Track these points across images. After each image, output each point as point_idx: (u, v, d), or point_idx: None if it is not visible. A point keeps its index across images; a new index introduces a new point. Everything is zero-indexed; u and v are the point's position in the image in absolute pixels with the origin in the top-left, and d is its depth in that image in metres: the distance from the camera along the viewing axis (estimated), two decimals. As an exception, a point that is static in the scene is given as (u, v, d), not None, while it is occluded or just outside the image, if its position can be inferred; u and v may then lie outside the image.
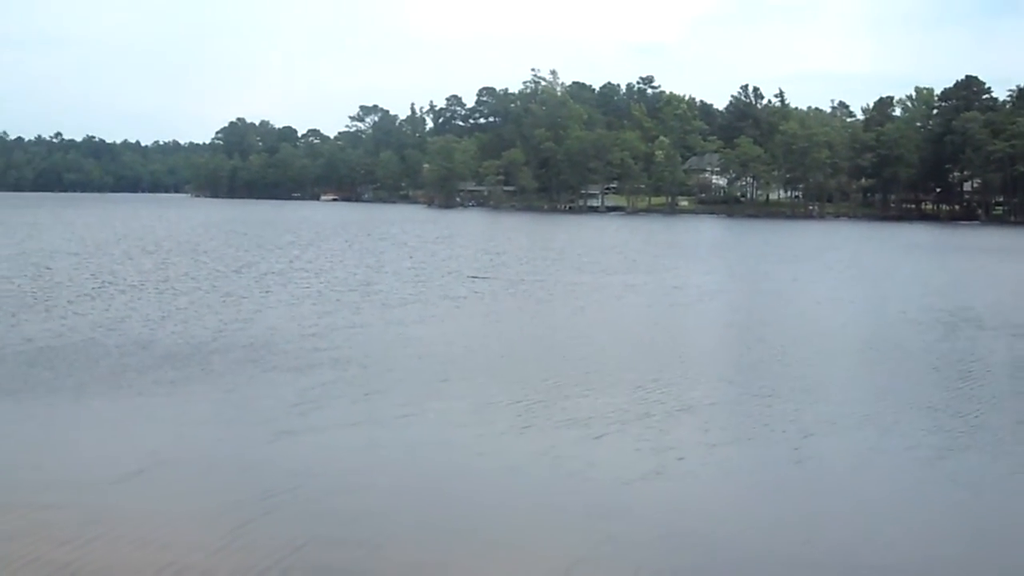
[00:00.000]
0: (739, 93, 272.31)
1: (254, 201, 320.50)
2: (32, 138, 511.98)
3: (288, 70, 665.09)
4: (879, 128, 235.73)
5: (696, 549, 16.74)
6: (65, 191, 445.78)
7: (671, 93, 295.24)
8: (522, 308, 49.33)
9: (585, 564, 15.93)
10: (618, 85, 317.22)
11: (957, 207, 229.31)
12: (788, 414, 25.76)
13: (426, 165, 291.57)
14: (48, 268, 62.95)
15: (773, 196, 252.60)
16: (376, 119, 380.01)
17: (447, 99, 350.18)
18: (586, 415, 25.15)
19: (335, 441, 22.70)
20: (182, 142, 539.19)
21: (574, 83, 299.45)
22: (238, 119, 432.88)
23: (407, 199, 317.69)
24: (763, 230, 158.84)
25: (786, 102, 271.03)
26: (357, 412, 25.46)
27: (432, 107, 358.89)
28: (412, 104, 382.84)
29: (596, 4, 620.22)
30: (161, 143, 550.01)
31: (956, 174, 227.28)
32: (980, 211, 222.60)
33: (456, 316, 45.41)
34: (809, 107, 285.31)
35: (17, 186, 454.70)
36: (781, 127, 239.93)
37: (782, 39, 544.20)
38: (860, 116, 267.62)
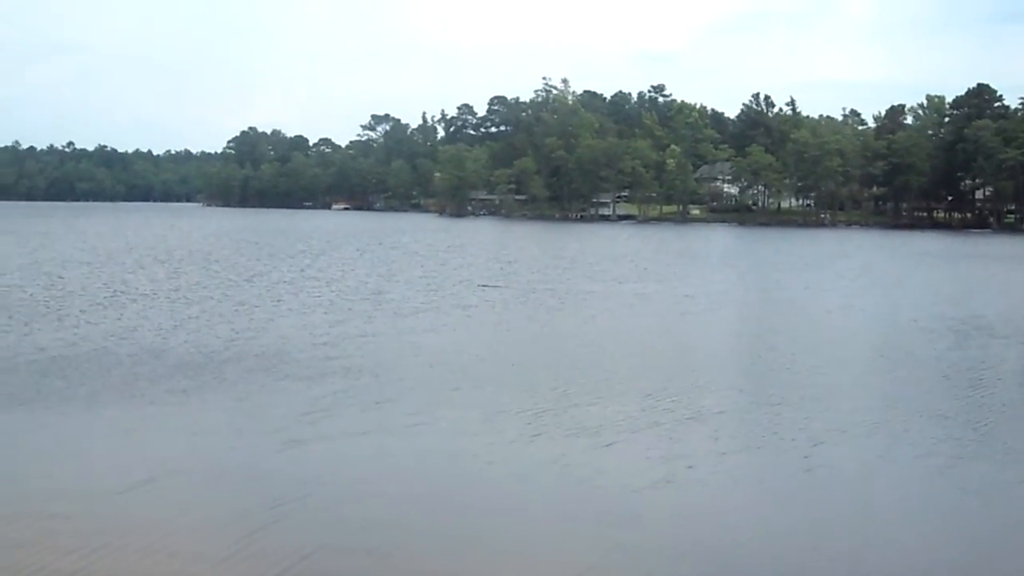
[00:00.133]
0: (750, 101, 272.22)
1: (266, 210, 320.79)
2: (44, 147, 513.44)
3: (300, 79, 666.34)
4: (891, 136, 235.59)
5: (706, 557, 16.75)
6: (77, 200, 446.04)
7: (682, 101, 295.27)
8: (533, 317, 49.35)
9: (595, 572, 15.96)
10: (629, 94, 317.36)
11: (969, 215, 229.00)
12: (798, 422, 25.77)
13: (437, 174, 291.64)
14: (60, 277, 63.10)
15: (785, 204, 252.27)
16: (388, 128, 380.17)
17: (458, 108, 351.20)
18: (596, 423, 25.18)
19: (345, 450, 22.75)
20: (194, 151, 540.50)
21: (585, 92, 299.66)
22: (250, 128, 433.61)
23: (419, 208, 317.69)
24: (774, 238, 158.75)
25: (797, 110, 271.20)
26: (368, 421, 25.51)
27: (443, 116, 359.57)
28: (424, 113, 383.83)
29: (607, 13, 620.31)
30: (173, 152, 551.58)
31: (968, 182, 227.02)
32: (992, 219, 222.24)
33: (467, 325, 45.43)
34: (820, 115, 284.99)
35: (30, 195, 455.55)
36: (793, 135, 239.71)
37: (793, 47, 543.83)
38: (872, 124, 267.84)
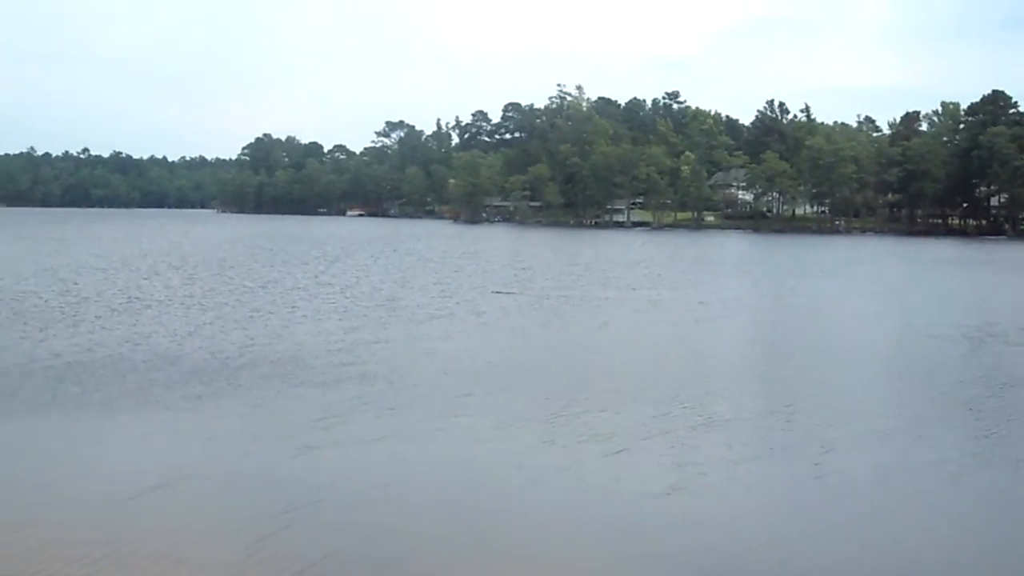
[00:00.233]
0: (765, 108, 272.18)
1: (280, 217, 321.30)
2: (60, 154, 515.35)
3: (314, 86, 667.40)
4: (905, 143, 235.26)
5: (717, 564, 16.77)
6: (92, 207, 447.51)
7: (697, 108, 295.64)
8: (547, 323, 49.36)
9: (607, 579, 16.02)
10: (644, 100, 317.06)
11: (984, 222, 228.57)
12: (811, 429, 25.79)
13: (452, 180, 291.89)
14: (76, 283, 63.23)
15: (799, 211, 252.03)
16: (402, 134, 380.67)
17: (473, 114, 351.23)
18: (609, 430, 25.21)
19: (358, 456, 22.78)
20: (208, 158, 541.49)
21: (600, 98, 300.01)
22: (264, 135, 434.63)
23: (433, 214, 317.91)
24: (789, 245, 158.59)
25: (812, 117, 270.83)
26: (381, 427, 25.55)
27: (458, 122, 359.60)
28: (438, 119, 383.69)
29: (622, 19, 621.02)
30: (188, 159, 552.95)
31: (983, 189, 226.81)
32: (1007, 226, 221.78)
33: (481, 331, 45.49)
34: (835, 122, 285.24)
35: (45, 202, 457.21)
36: (807, 142, 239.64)
37: (807, 53, 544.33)
38: (886, 131, 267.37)
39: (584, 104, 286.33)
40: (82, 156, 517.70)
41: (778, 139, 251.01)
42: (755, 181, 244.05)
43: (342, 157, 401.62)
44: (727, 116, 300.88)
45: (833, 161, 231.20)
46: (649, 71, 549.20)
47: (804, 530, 18.66)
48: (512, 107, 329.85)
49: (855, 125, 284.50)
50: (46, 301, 52.18)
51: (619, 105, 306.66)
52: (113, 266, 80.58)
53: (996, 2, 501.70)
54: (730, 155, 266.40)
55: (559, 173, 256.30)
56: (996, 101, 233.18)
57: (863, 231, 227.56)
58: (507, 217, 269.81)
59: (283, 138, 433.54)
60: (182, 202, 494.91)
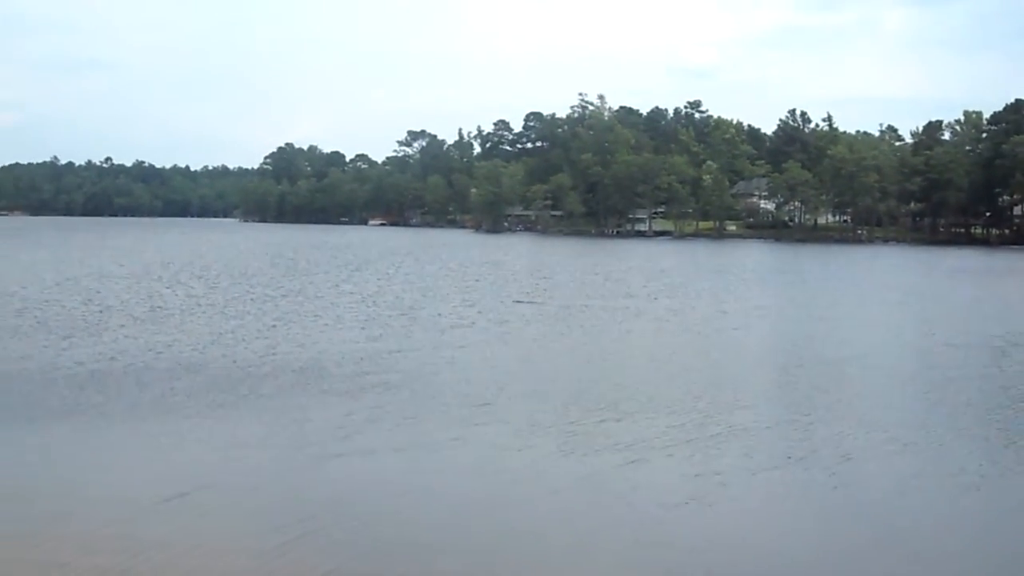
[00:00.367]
0: (787, 117, 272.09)
1: (302, 226, 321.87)
2: (82, 163, 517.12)
3: (336, 95, 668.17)
4: (928, 152, 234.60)
5: (738, 575, 16.81)
6: (115, 216, 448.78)
7: (719, 117, 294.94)
8: (568, 333, 49.34)
9: (626, 588, 16.04)
10: (665, 109, 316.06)
11: (1007, 231, 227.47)
12: (831, 439, 25.74)
13: (474, 190, 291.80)
14: (98, 292, 63.51)
15: (821, 220, 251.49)
16: (424, 144, 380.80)
17: (494, 124, 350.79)
18: (629, 439, 25.22)
19: (378, 465, 22.84)
20: (231, 167, 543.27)
21: (621, 107, 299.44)
22: (286, 144, 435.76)
23: (455, 223, 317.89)
24: (811, 255, 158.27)
25: (834, 126, 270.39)
26: (401, 436, 25.60)
27: (479, 132, 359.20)
28: (460, 129, 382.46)
29: (643, 28, 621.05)
30: (210, 168, 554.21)
31: (1006, 198, 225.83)
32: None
33: (502, 340, 45.46)
34: (857, 131, 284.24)
35: (68, 210, 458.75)
36: (829, 151, 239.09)
37: (830, 63, 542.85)
38: (909, 140, 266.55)
39: (606, 113, 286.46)
40: (105, 165, 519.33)
41: (800, 148, 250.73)
42: (777, 190, 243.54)
43: (364, 166, 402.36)
44: (749, 125, 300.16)
45: (855, 170, 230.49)
46: (671, 80, 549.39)
47: (823, 540, 18.65)
48: (534, 116, 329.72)
49: (877, 134, 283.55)
50: (69, 310, 52.45)
51: (641, 114, 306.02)
52: (136, 275, 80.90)
53: (1019, 11, 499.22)
54: (752, 164, 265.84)
55: (581, 182, 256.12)
56: (1019, 110, 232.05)
57: (885, 240, 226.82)
58: (528, 226, 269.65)
59: (305, 147, 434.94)
60: (204, 211, 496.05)
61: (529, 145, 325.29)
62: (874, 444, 25.31)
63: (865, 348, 45.74)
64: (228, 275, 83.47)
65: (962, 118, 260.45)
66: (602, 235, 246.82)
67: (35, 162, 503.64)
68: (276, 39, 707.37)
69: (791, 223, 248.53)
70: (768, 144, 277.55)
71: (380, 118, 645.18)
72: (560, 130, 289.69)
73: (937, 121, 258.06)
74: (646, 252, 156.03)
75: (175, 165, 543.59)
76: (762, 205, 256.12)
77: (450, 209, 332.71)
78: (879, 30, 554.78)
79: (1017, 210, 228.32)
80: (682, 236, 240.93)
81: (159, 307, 55.09)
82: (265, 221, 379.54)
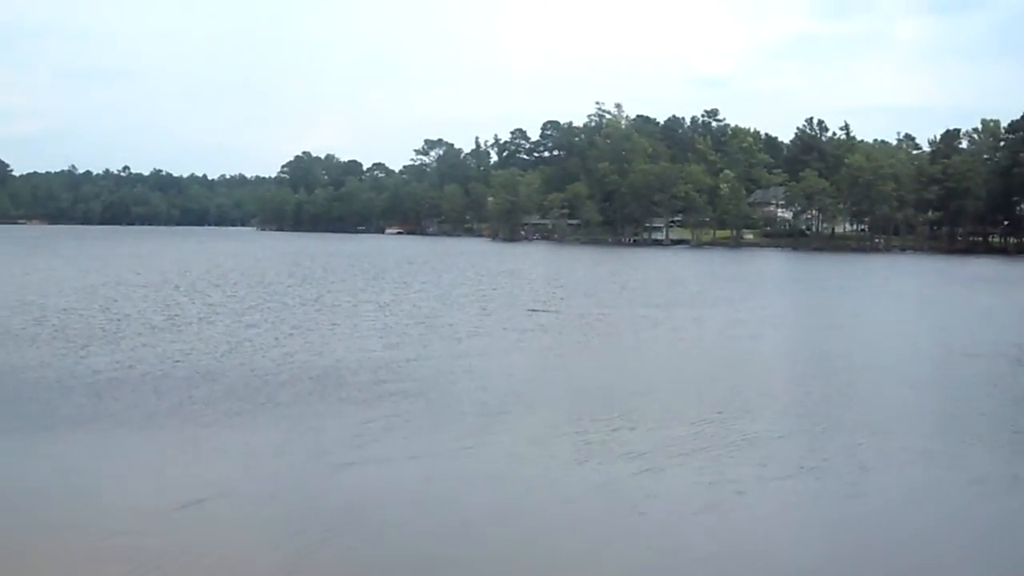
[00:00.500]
0: (804, 126, 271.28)
1: (319, 234, 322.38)
2: (100, 172, 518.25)
3: (353, 104, 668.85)
4: (946, 161, 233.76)
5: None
6: (133, 224, 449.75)
7: (736, 126, 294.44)
8: (585, 341, 49.42)
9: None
10: (682, 118, 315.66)
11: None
12: (848, 448, 25.72)
13: (491, 198, 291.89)
14: (116, 300, 63.71)
15: (839, 229, 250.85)
16: (441, 152, 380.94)
17: (511, 132, 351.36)
18: (645, 448, 25.24)
19: (395, 473, 22.88)
20: (248, 176, 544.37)
21: (638, 116, 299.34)
22: (303, 153, 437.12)
23: (472, 232, 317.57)
24: (828, 263, 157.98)
25: (851, 135, 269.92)
26: (418, 444, 25.66)
27: (496, 140, 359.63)
28: (476, 137, 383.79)
29: (660, 37, 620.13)
30: (227, 177, 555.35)
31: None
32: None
33: (519, 349, 45.51)
34: (875, 140, 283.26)
35: (86, 219, 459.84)
36: (847, 160, 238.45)
37: (847, 71, 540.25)
38: (926, 149, 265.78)
39: (623, 122, 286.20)
40: (122, 174, 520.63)
41: (817, 157, 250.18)
42: (794, 199, 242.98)
43: (381, 175, 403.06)
44: (766, 134, 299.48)
45: (873, 179, 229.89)
46: (688, 89, 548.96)
47: (837, 549, 18.62)
48: (551, 125, 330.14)
49: (895, 143, 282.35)
50: (87, 318, 52.63)
51: (658, 123, 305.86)
52: (153, 283, 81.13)
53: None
54: (769, 173, 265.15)
55: (597, 191, 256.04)
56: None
57: (903, 249, 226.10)
58: (545, 235, 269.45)
59: (322, 156, 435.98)
60: (222, 220, 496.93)
61: (546, 154, 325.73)
62: (889, 453, 25.28)
63: (881, 357, 45.71)
64: (245, 283, 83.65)
65: (979, 127, 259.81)
66: (619, 244, 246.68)
67: (53, 171, 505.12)
68: (294, 48, 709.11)
69: (808, 232, 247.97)
70: (785, 153, 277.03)
71: (397, 127, 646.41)
72: (577, 139, 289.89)
73: (955, 130, 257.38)
74: (663, 261, 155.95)
75: (192, 174, 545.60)
76: (779, 214, 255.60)
77: (467, 218, 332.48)
78: (894, 39, 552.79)
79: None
80: (699, 245, 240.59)
81: (177, 315, 55.25)
82: (282, 230, 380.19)
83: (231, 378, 34.74)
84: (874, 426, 28.74)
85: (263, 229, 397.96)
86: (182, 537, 18.19)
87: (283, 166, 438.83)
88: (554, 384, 36.35)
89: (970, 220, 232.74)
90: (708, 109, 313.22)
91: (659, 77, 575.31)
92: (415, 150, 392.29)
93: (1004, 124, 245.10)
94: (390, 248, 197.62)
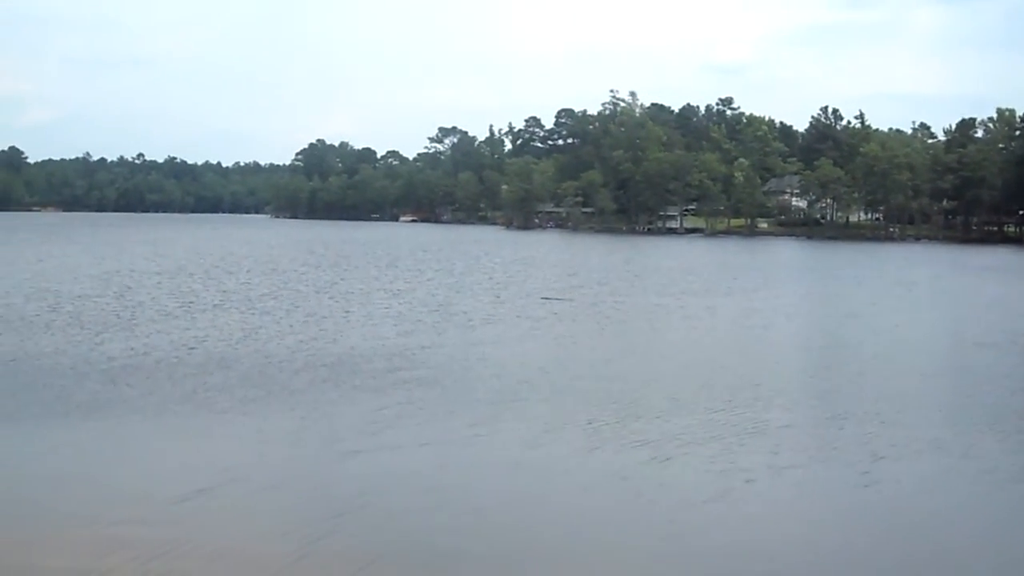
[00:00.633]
0: (819, 114, 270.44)
1: (333, 222, 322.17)
2: (115, 159, 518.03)
3: (367, 92, 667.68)
4: (961, 150, 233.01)
5: (764, 573, 16.83)
6: (147, 212, 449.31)
7: (751, 114, 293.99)
8: (598, 329, 49.47)
9: (652, 584, 16.11)
10: (697, 106, 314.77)
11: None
12: (861, 437, 25.72)
13: (505, 186, 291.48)
14: (131, 288, 63.84)
15: (853, 218, 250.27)
16: (455, 140, 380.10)
17: (526, 120, 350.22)
18: (658, 436, 25.28)
19: (407, 460, 22.94)
20: (262, 163, 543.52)
21: (653, 104, 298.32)
22: (318, 140, 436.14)
23: (486, 220, 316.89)
24: (843, 252, 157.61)
25: (867, 123, 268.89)
26: (431, 431, 25.73)
27: (511, 128, 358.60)
28: (491, 126, 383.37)
29: (675, 25, 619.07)
30: (242, 164, 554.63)
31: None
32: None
33: (533, 337, 45.56)
34: (890, 129, 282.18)
35: (100, 206, 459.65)
36: (862, 148, 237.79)
37: (862, 60, 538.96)
38: (942, 138, 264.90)
39: (637, 110, 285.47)
40: (137, 161, 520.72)
41: (832, 146, 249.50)
42: (809, 188, 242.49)
43: (395, 163, 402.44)
44: (781, 122, 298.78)
45: (888, 168, 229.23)
46: (703, 77, 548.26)
47: (851, 538, 18.62)
48: (565, 113, 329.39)
49: (910, 132, 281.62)
50: (102, 305, 52.74)
51: (672, 111, 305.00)
52: (168, 270, 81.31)
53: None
54: (784, 161, 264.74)
55: (612, 179, 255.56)
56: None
57: (917, 238, 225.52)
58: (559, 223, 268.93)
59: (336, 144, 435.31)
60: (236, 207, 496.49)
61: (560, 142, 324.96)
62: (902, 442, 25.27)
63: (893, 346, 45.68)
64: (259, 271, 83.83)
65: (995, 116, 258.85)
66: (633, 232, 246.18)
67: (68, 158, 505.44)
68: (308, 35, 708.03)
69: (823, 221, 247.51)
70: (800, 141, 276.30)
71: (411, 115, 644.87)
72: (591, 127, 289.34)
73: (970, 119, 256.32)
74: (677, 249, 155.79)
75: (207, 161, 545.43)
76: (794, 203, 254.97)
77: (481, 206, 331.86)
78: (910, 28, 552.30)
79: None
80: (713, 233, 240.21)
81: (191, 302, 55.37)
82: (296, 217, 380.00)
83: (245, 365, 34.85)
84: (885, 415, 28.72)
85: (277, 217, 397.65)
86: (190, 524, 18.25)
87: (297, 154, 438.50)
88: (567, 372, 36.33)
89: (985, 209, 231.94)
90: (723, 97, 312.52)
91: (674, 65, 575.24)
92: (429, 138, 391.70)
93: (1020, 113, 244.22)
94: (404, 236, 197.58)
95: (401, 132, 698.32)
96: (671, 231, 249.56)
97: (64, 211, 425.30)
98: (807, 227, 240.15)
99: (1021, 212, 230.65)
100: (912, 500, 20.76)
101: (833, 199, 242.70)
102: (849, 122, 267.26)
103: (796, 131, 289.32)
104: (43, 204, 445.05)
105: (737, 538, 18.25)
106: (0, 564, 16.31)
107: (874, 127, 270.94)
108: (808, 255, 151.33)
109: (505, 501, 20.26)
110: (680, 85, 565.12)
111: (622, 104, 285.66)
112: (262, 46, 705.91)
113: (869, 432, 26.29)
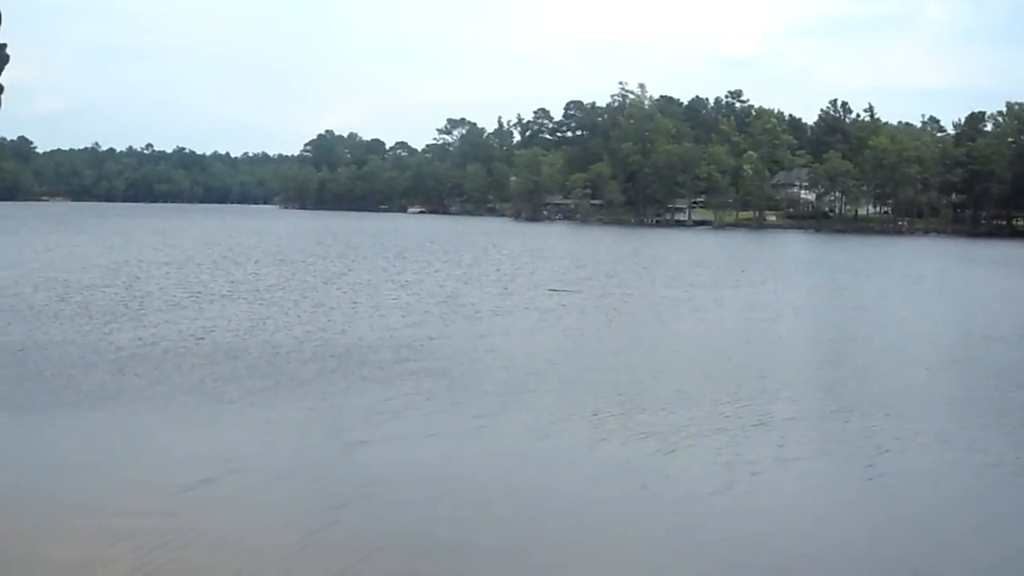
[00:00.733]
0: (828, 107, 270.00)
1: (342, 213, 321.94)
2: (124, 149, 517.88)
3: (376, 83, 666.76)
4: (970, 143, 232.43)
5: (769, 565, 16.88)
6: (155, 202, 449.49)
7: (760, 107, 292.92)
8: (606, 321, 49.50)
9: None
10: (706, 99, 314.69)
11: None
12: (867, 430, 25.76)
13: (513, 178, 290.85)
14: (139, 278, 63.93)
15: (862, 211, 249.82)
16: (464, 132, 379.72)
17: (534, 112, 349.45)
18: (664, 428, 25.33)
19: (413, 451, 22.98)
20: (271, 154, 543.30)
21: (662, 97, 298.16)
22: (327, 131, 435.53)
23: (494, 212, 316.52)
24: (851, 246, 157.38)
25: (876, 117, 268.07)
26: (438, 422, 25.79)
27: (519, 120, 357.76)
28: (499, 117, 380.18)
29: (685, 18, 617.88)
30: (250, 155, 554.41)
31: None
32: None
33: (540, 329, 45.62)
34: (899, 122, 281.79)
35: (109, 196, 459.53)
36: (871, 142, 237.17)
37: (872, 53, 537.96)
38: (951, 131, 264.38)
39: (646, 102, 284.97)
40: (146, 151, 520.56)
41: (841, 139, 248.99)
42: (818, 181, 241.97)
43: (404, 154, 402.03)
44: (790, 115, 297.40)
45: (897, 161, 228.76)
46: (712, 69, 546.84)
47: (856, 530, 18.65)
48: (574, 105, 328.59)
49: (919, 125, 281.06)
50: (111, 295, 52.82)
51: (681, 103, 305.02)
52: (176, 261, 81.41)
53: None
54: (793, 154, 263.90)
55: (620, 171, 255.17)
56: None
57: (926, 232, 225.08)
58: (568, 215, 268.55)
59: (345, 135, 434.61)
60: (244, 198, 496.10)
61: (569, 134, 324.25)
62: (907, 435, 25.30)
63: (900, 339, 45.69)
64: (268, 261, 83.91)
65: (1004, 110, 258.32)
66: (641, 224, 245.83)
67: (76, 148, 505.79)
68: (317, 26, 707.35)
69: (832, 214, 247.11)
70: (809, 134, 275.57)
71: (420, 106, 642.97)
72: (600, 119, 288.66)
73: (979, 112, 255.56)
74: (685, 242, 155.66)
75: (215, 152, 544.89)
76: (802, 195, 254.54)
77: (489, 197, 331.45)
78: (919, 21, 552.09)
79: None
80: (722, 226, 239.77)
81: (199, 293, 55.48)
82: (305, 208, 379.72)
83: (253, 355, 34.94)
84: (891, 408, 28.77)
85: (285, 207, 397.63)
86: (193, 515, 18.30)
87: (306, 144, 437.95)
88: (574, 364, 36.37)
89: (994, 203, 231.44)
90: (732, 90, 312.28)
91: (683, 57, 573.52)
92: (438, 129, 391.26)
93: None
94: (412, 227, 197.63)
95: (410, 123, 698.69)
96: (679, 223, 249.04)
97: (73, 201, 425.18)
98: (815, 220, 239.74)
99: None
100: (917, 493, 20.80)
101: (842, 192, 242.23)
102: (858, 115, 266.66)
103: (805, 124, 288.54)
104: (52, 194, 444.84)
105: (742, 530, 18.30)
106: (3, 554, 16.39)
107: (883, 120, 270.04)
108: (816, 248, 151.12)
109: (510, 492, 20.33)
110: (689, 77, 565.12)
111: (631, 96, 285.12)
112: (271, 37, 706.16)
113: (875, 425, 26.34)
